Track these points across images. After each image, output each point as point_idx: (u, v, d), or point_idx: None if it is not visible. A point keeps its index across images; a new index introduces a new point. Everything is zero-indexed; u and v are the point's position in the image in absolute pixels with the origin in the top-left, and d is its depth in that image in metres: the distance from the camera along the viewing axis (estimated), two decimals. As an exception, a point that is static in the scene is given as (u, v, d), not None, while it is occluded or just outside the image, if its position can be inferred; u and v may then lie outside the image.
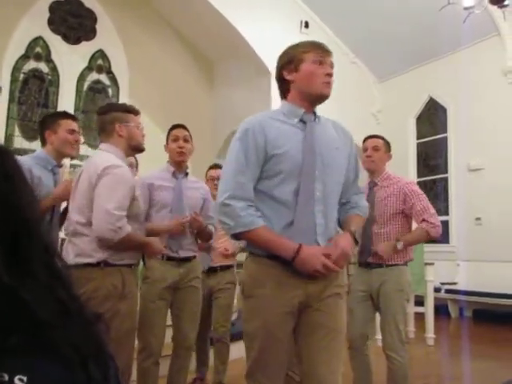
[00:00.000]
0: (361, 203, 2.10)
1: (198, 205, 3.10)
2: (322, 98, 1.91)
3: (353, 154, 2.04)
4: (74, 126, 2.93)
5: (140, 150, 2.54)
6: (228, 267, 3.74)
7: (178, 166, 3.08)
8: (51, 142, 2.86)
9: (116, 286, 2.23)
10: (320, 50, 1.91)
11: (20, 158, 2.45)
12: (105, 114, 2.47)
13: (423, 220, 3.00)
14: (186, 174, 3.12)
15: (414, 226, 3.14)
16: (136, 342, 2.82)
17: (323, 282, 1.84)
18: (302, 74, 1.89)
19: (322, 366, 1.79)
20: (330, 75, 1.88)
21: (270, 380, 1.81)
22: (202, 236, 3.13)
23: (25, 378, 0.61)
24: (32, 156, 2.89)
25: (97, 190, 2.23)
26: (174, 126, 3.17)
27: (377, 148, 3.17)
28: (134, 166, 3.85)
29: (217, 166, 3.89)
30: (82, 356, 0.66)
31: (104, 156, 2.37)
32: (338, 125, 2.04)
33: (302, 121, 1.91)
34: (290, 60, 1.92)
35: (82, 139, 3.00)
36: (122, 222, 2.22)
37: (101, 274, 2.20)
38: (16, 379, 0.60)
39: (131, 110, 2.51)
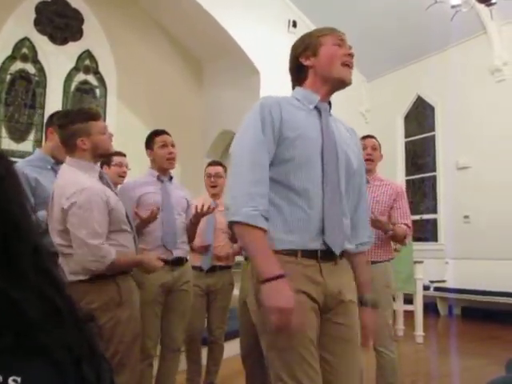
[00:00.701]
0: (370, 233, 1.91)
1: (185, 206, 3.14)
2: (341, 82, 1.77)
3: (361, 156, 1.91)
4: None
5: (108, 155, 2.45)
6: (227, 267, 3.72)
7: (164, 171, 3.09)
8: (51, 140, 2.78)
9: (112, 296, 2.20)
10: (338, 33, 1.81)
11: None
12: (63, 129, 2.32)
13: (405, 224, 3.09)
14: (171, 177, 3.14)
15: None
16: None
17: (340, 281, 1.67)
18: (321, 57, 1.76)
19: (345, 379, 1.63)
20: (351, 55, 1.77)
21: None
22: (194, 233, 3.19)
23: (19, 379, 0.60)
24: (25, 160, 2.84)
25: (69, 221, 2.15)
26: (159, 132, 3.12)
27: (375, 147, 3.28)
28: (124, 165, 3.82)
29: (215, 163, 3.89)
30: (75, 357, 0.66)
31: (69, 177, 2.26)
32: (348, 125, 1.92)
33: (317, 108, 1.76)
34: (306, 47, 1.79)
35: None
36: (104, 250, 2.14)
37: (95, 287, 2.17)
38: (10, 380, 0.60)
39: (91, 116, 2.34)
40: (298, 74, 1.82)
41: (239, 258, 3.73)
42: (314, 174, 1.64)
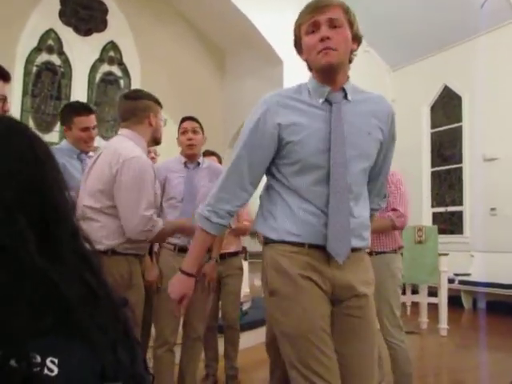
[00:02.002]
0: (381, 201, 1.90)
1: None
2: (323, 69, 1.61)
3: (388, 134, 1.73)
4: (89, 122, 2.92)
5: (158, 143, 2.57)
6: (236, 253, 3.78)
7: (190, 157, 3.11)
8: (68, 136, 2.94)
9: (123, 275, 2.23)
10: (310, 14, 1.61)
11: None
12: (137, 100, 2.43)
13: (392, 209, 3.00)
14: (198, 163, 3.13)
15: None
16: (153, 330, 2.90)
17: (352, 275, 1.63)
18: (304, 50, 1.67)
19: (355, 374, 1.60)
20: (323, 40, 1.57)
21: (325, 380, 1.51)
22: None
23: (56, 360, 0.62)
24: (55, 147, 2.94)
25: (123, 187, 2.19)
26: (184, 119, 3.19)
27: None
28: (152, 152, 3.86)
29: (209, 153, 3.87)
30: (111, 339, 0.68)
31: (125, 144, 2.32)
32: (372, 99, 1.74)
33: (328, 101, 1.64)
34: (295, 41, 1.73)
35: (96, 132, 2.99)
36: (154, 220, 2.23)
37: (107, 261, 2.18)
38: (48, 361, 0.62)
39: (159, 103, 2.52)
40: (308, 65, 1.75)
41: (260, 249, 3.75)
42: (316, 177, 1.60)
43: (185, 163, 3.09)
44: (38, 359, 0.61)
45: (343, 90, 1.67)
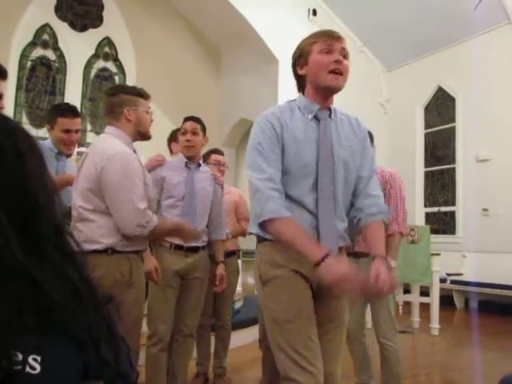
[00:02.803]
0: (378, 207, 1.94)
1: (209, 197, 3.12)
2: (329, 90, 1.82)
3: (367, 152, 1.95)
4: (71, 125, 2.92)
5: (147, 137, 2.45)
6: (234, 253, 3.79)
7: (190, 158, 3.09)
8: (50, 135, 2.98)
9: (123, 273, 2.21)
10: (326, 38, 1.82)
11: None
12: (114, 96, 2.39)
13: (395, 219, 3.00)
14: (199, 164, 3.12)
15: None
16: (146, 328, 2.86)
17: None
18: (310, 66, 1.82)
19: (329, 361, 1.79)
20: (337, 62, 1.78)
21: (313, 365, 1.70)
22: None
23: (38, 358, 0.61)
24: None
25: (111, 185, 2.17)
26: (186, 119, 3.15)
27: None
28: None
29: (218, 152, 3.89)
30: (94, 338, 0.67)
31: (110, 141, 2.30)
32: (354, 120, 1.97)
33: (316, 118, 1.85)
34: (300, 54, 1.87)
35: (79, 136, 3.03)
36: (148, 215, 2.21)
37: (108, 260, 2.17)
38: (30, 359, 0.61)
39: (142, 94, 2.42)
40: (299, 81, 1.92)
41: (253, 247, 3.77)
42: (308, 184, 1.79)
43: (186, 163, 3.07)
44: (20, 357, 0.60)
45: (329, 109, 1.88)
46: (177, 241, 2.87)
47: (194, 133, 3.07)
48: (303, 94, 1.90)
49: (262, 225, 1.74)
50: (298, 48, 1.90)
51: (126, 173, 2.18)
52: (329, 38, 1.82)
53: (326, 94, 1.84)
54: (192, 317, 3.02)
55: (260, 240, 1.87)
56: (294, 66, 1.91)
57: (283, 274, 1.77)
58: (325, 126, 1.84)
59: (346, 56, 1.83)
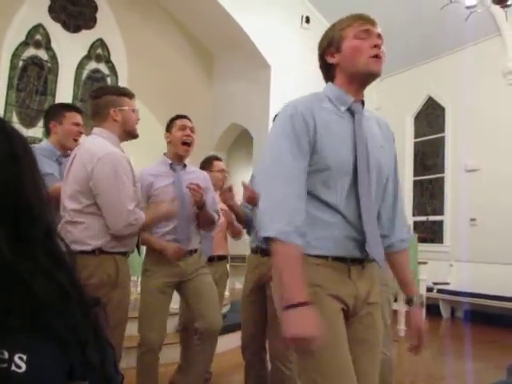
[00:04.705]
0: (407, 230, 1.80)
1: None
2: (371, 75, 1.62)
3: (395, 157, 1.76)
4: (79, 118, 2.95)
5: (134, 135, 2.45)
6: (224, 257, 3.79)
7: (179, 157, 2.99)
8: (55, 133, 2.90)
9: (110, 274, 2.22)
10: (361, 21, 1.63)
11: None
12: (99, 98, 2.40)
13: None
14: (184, 165, 3.03)
15: None
16: (136, 332, 2.84)
17: (368, 285, 1.62)
18: (345, 53, 1.61)
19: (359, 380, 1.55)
20: (377, 46, 1.59)
21: None
22: (204, 220, 3.00)
23: (24, 357, 0.62)
24: (37, 147, 2.91)
25: (102, 186, 2.18)
26: (179, 116, 3.06)
27: None
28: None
29: (219, 159, 3.91)
30: (80, 340, 0.67)
31: (98, 142, 2.31)
32: (382, 120, 1.78)
33: (350, 110, 1.62)
34: (329, 43, 1.65)
35: (83, 132, 2.99)
36: (137, 213, 2.24)
37: (95, 261, 2.18)
38: (16, 357, 0.61)
39: (126, 93, 2.43)
40: (327, 72, 1.69)
41: (240, 252, 3.77)
42: (345, 187, 1.55)
43: (170, 165, 2.96)
44: (6, 355, 0.61)
45: (362, 102, 1.68)
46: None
47: (192, 131, 3.00)
48: (332, 82, 1.67)
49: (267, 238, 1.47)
50: (325, 37, 1.68)
51: (117, 174, 2.20)
52: (366, 22, 1.63)
53: (364, 81, 1.63)
54: (215, 311, 2.91)
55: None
56: (322, 55, 1.68)
57: (313, 294, 1.48)
58: (360, 121, 1.61)
59: (382, 43, 1.64)
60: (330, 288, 1.51)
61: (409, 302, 1.74)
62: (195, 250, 2.99)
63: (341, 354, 1.48)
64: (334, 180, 1.54)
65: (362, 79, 1.63)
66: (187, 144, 2.96)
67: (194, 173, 3.09)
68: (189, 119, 3.07)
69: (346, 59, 1.61)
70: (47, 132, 2.99)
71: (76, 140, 2.93)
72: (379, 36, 1.63)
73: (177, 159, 2.99)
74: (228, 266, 4.06)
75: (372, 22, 1.65)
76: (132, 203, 2.23)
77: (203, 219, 3.01)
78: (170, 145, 3.01)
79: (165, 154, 3.04)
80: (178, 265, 2.86)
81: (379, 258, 1.59)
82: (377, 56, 1.59)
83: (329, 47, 1.65)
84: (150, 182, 2.88)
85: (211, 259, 3.59)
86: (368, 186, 1.57)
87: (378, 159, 1.62)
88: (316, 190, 1.54)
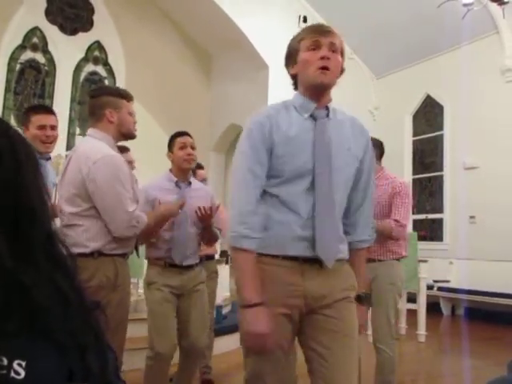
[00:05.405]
0: (371, 232, 1.86)
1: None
2: (318, 87, 1.69)
3: (367, 158, 1.80)
4: (45, 120, 2.88)
5: (131, 137, 2.44)
6: (212, 257, 3.89)
7: (183, 173, 3.01)
8: (27, 137, 2.88)
9: (109, 276, 2.20)
10: (313, 34, 1.70)
11: None
12: (96, 98, 2.38)
13: (395, 220, 3.03)
14: (190, 183, 3.04)
15: None
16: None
17: (328, 284, 1.66)
18: (299, 65, 1.72)
19: (339, 373, 1.62)
20: (324, 58, 1.65)
21: None
22: (208, 236, 3.07)
23: (23, 363, 0.61)
24: None
25: (100, 189, 2.16)
26: (179, 134, 3.07)
27: None
28: (132, 163, 3.84)
29: (202, 167, 3.99)
30: (79, 344, 0.67)
31: (94, 144, 2.29)
32: (357, 123, 1.83)
33: (313, 116, 1.72)
34: (289, 54, 1.77)
35: (56, 134, 2.94)
36: (137, 215, 2.22)
37: (94, 263, 2.17)
38: (15, 364, 0.61)
39: (124, 95, 2.40)
40: (294, 81, 1.81)
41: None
42: (302, 188, 1.65)
43: (176, 182, 2.99)
44: (5, 362, 0.60)
45: (326, 108, 1.75)
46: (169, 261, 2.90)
47: (193, 147, 3.02)
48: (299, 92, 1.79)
49: (237, 237, 1.63)
50: (287, 47, 1.80)
51: (114, 177, 2.18)
52: (316, 34, 1.70)
53: (317, 91, 1.71)
54: (199, 333, 2.94)
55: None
56: (286, 66, 1.81)
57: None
58: (322, 126, 1.70)
59: (336, 50, 1.70)
60: (270, 292, 1.61)
61: (357, 298, 1.79)
62: (197, 264, 3.01)
63: (272, 355, 1.62)
64: (292, 183, 1.66)
65: (314, 90, 1.72)
66: (189, 161, 3.00)
67: (198, 190, 3.09)
68: (189, 135, 3.06)
69: (301, 71, 1.73)
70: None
71: (45, 143, 2.88)
72: (332, 45, 1.70)
73: (181, 176, 3.01)
74: (228, 266, 4.07)
75: (324, 33, 1.71)
76: (132, 205, 2.21)
77: (208, 236, 3.09)
78: (173, 163, 3.05)
79: (170, 170, 3.06)
80: (179, 277, 2.89)
81: (326, 258, 1.63)
82: (324, 67, 1.66)
83: (289, 59, 1.78)
84: (155, 197, 2.89)
85: (200, 259, 3.61)
86: (327, 189, 1.65)
87: (342, 161, 1.71)
88: (275, 191, 1.67)
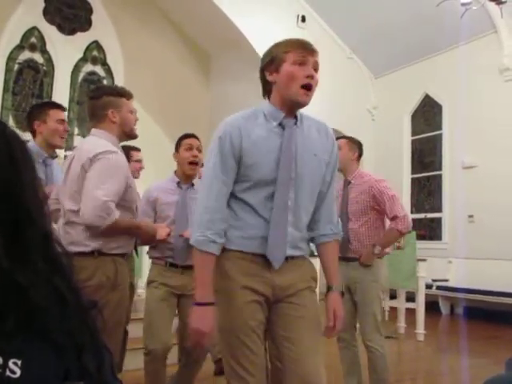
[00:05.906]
0: (333, 227, 1.97)
1: None
2: (297, 105, 1.79)
3: (332, 161, 1.91)
4: (63, 115, 2.94)
5: (133, 136, 2.46)
6: None
7: (187, 178, 3.01)
8: (40, 132, 2.88)
9: (108, 276, 2.20)
10: (301, 50, 1.77)
11: None
12: (97, 99, 2.38)
13: (392, 218, 3.09)
14: (192, 184, 3.04)
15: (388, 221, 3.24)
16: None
17: (291, 276, 1.80)
18: (281, 75, 1.77)
19: (306, 355, 1.74)
20: (310, 77, 1.75)
21: (250, 374, 1.72)
22: None
23: (19, 362, 0.61)
24: None
25: (88, 175, 2.17)
26: (187, 136, 3.07)
27: (338, 147, 3.27)
28: (140, 162, 3.85)
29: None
30: (76, 344, 0.67)
31: (96, 141, 2.30)
32: (323, 128, 1.92)
33: (281, 125, 1.80)
34: (271, 60, 1.81)
35: (69, 129, 3.00)
36: (111, 208, 2.15)
37: (94, 263, 2.16)
38: (10, 363, 0.61)
39: (124, 94, 2.41)
40: (265, 86, 1.87)
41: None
42: (266, 194, 1.77)
43: (178, 183, 3.00)
44: (0, 361, 0.61)
45: (295, 116, 1.83)
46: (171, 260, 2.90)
47: (199, 150, 3.02)
48: (269, 99, 1.86)
49: (202, 241, 1.75)
50: (269, 52, 1.84)
51: (107, 167, 2.18)
52: (304, 50, 1.78)
53: (293, 107, 1.80)
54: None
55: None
56: (262, 69, 1.85)
57: (230, 288, 1.78)
58: (290, 135, 1.79)
59: (317, 70, 1.80)
60: (242, 281, 1.75)
61: (328, 289, 1.92)
62: None
63: (245, 338, 1.73)
64: (257, 188, 1.77)
65: (290, 105, 1.80)
66: (194, 163, 2.99)
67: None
68: (196, 138, 3.07)
69: (282, 82, 1.78)
70: (32, 133, 2.94)
71: (63, 138, 2.91)
72: (316, 64, 1.79)
73: (185, 178, 3.02)
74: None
75: (311, 51, 1.79)
76: (109, 197, 2.15)
77: None
78: (178, 164, 3.06)
79: (175, 172, 3.08)
80: (179, 277, 2.91)
81: (273, 259, 1.76)
82: (307, 87, 1.75)
83: (270, 65, 1.82)
84: (156, 197, 2.93)
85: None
86: (285, 197, 1.77)
87: (309, 167, 1.82)
88: (243, 195, 1.78)
